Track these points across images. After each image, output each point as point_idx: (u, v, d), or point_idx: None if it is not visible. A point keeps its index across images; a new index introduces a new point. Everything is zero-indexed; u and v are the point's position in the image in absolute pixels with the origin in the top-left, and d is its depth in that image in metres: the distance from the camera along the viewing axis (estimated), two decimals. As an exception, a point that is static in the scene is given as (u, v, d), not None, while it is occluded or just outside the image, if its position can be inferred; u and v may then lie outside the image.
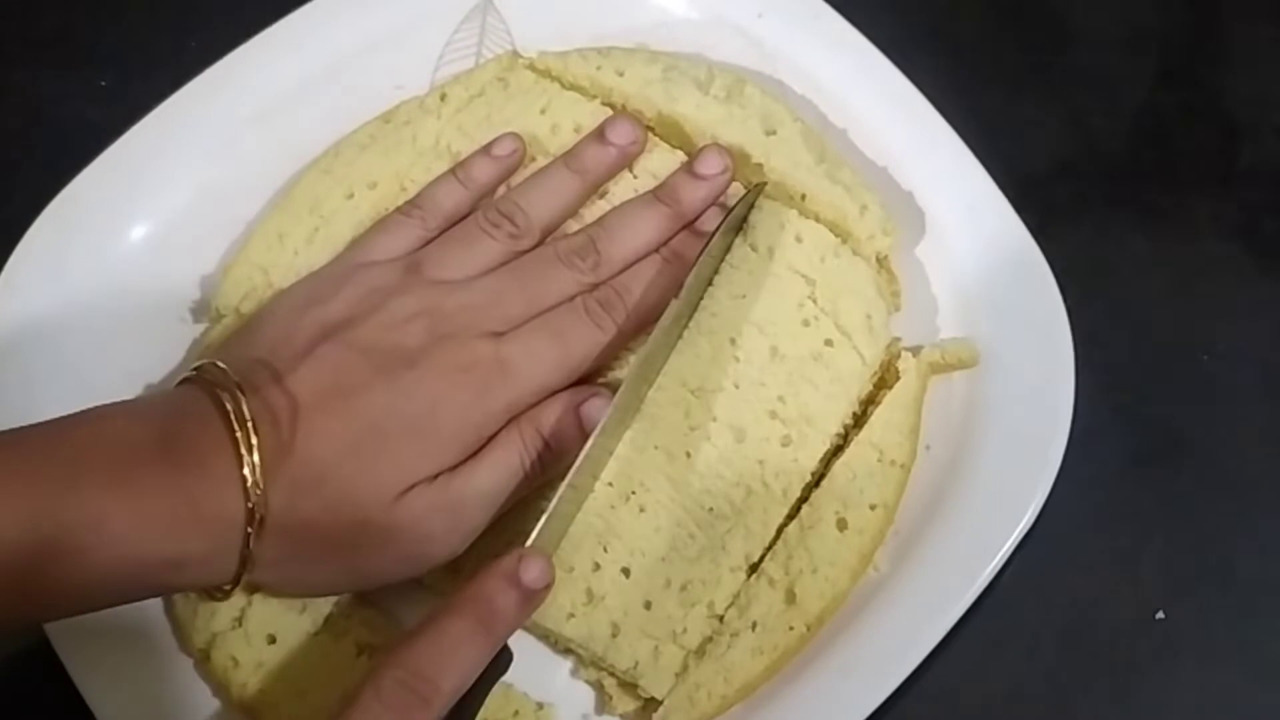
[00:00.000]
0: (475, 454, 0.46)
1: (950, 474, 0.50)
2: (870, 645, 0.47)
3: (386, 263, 0.49)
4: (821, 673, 0.47)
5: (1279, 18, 0.61)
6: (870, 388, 0.51)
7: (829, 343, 0.50)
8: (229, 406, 0.43)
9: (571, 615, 0.47)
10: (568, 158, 0.52)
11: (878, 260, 0.52)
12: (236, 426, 0.42)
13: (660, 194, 0.52)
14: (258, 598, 0.47)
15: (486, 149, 0.53)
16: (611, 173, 0.53)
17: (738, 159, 0.52)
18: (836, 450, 0.50)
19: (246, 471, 0.42)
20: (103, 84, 0.61)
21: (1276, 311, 0.55)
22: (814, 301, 0.50)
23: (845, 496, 0.48)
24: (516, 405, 0.47)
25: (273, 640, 0.47)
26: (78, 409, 0.45)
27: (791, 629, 0.47)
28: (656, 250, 0.51)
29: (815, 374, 0.50)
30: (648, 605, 0.47)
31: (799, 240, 0.51)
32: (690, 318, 0.50)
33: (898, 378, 0.50)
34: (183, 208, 0.55)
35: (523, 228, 0.50)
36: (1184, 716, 0.49)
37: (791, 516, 0.49)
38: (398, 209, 0.52)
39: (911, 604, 0.48)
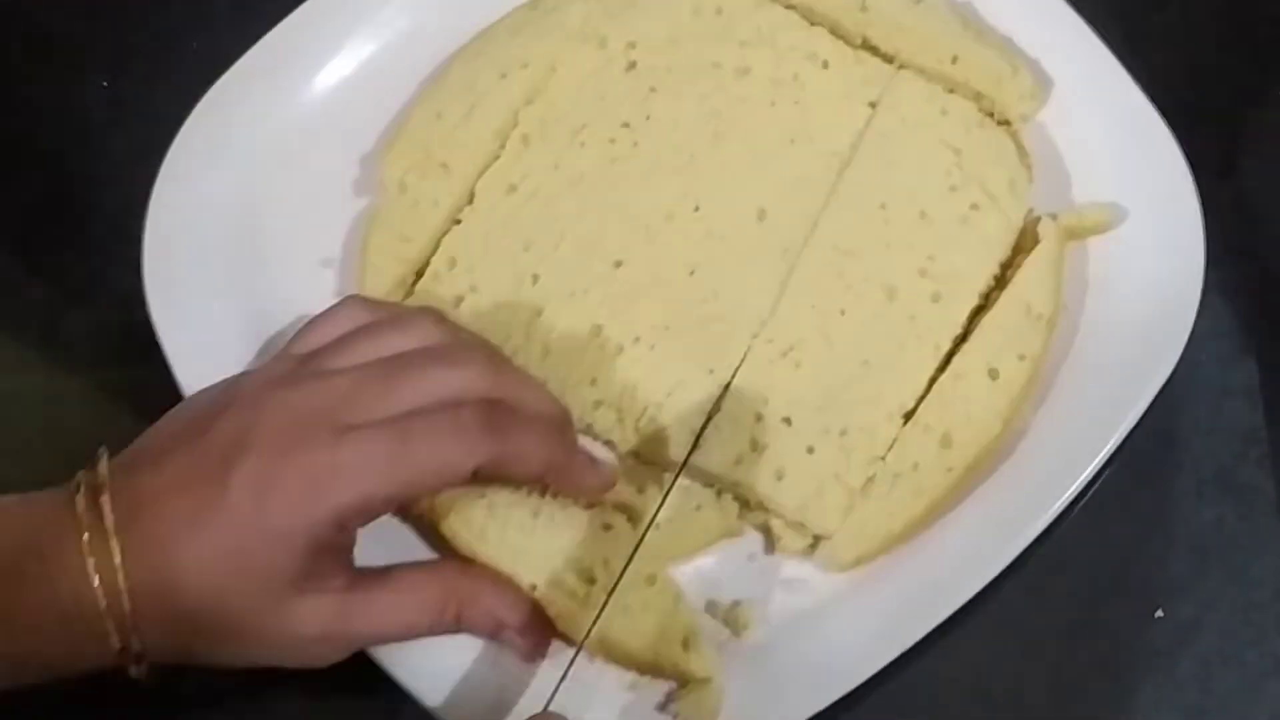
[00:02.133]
0: (386, 588, 0.45)
1: (1088, 332, 0.52)
2: (1020, 489, 0.50)
3: (294, 355, 0.47)
4: (975, 514, 0.49)
5: None
6: (1009, 252, 0.53)
7: (975, 206, 0.53)
8: (84, 504, 0.42)
9: (738, 461, 0.50)
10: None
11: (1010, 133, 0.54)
12: (88, 524, 0.42)
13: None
14: None
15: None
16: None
17: (888, 28, 0.55)
18: (978, 309, 0.52)
19: (98, 568, 0.41)
20: (104, 84, 0.61)
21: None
22: (960, 169, 0.53)
23: (996, 348, 0.51)
24: (350, 514, 0.43)
25: None
26: (248, 287, 0.48)
27: (949, 470, 0.50)
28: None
29: (963, 235, 0.52)
30: (810, 450, 0.50)
31: (944, 113, 0.54)
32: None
33: (1036, 242, 0.52)
34: (336, 95, 0.57)
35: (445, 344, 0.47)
36: (1184, 716, 0.49)
37: (941, 369, 0.51)
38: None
39: (1056, 451, 0.50)
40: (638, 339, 0.52)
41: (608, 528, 0.49)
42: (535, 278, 0.53)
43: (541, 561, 0.48)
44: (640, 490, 0.50)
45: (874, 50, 0.56)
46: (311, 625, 0.44)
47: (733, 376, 0.51)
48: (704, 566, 0.50)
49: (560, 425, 0.48)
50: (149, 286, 0.53)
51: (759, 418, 0.50)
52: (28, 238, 0.59)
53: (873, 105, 0.54)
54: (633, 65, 0.56)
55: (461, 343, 0.48)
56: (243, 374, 0.48)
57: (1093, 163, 0.54)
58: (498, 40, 0.57)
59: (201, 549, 0.42)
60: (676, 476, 0.50)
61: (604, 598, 0.47)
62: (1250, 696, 0.50)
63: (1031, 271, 0.52)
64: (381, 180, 0.55)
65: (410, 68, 0.58)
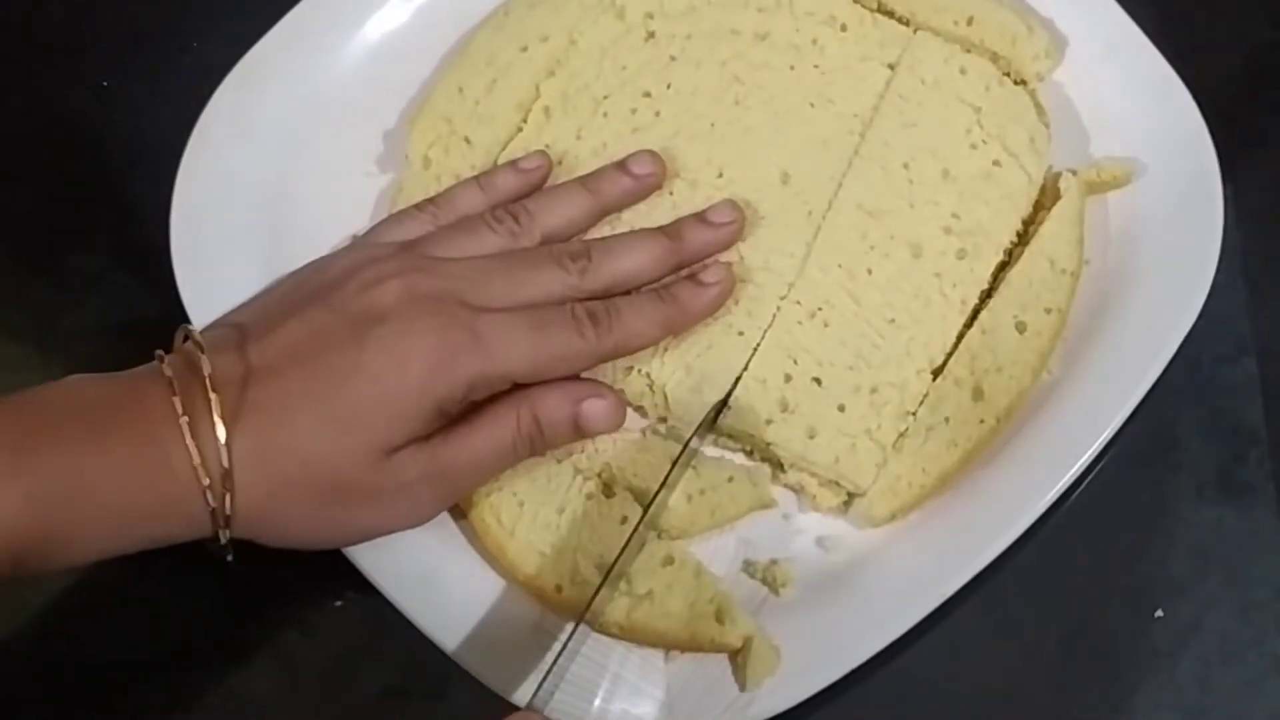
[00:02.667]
0: (468, 424, 0.47)
1: (1112, 285, 0.53)
2: (1051, 438, 0.50)
3: (387, 243, 0.50)
4: (1008, 464, 0.50)
5: None
6: (1031, 208, 0.54)
7: (997, 163, 0.53)
8: (177, 370, 0.44)
9: (769, 421, 0.50)
10: (585, 178, 0.53)
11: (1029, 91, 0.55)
12: (189, 388, 0.43)
13: (668, 229, 0.52)
14: None
15: (513, 163, 0.54)
16: (626, 201, 0.53)
17: None
18: (1002, 265, 0.53)
19: (194, 429, 0.43)
20: (105, 84, 0.61)
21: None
22: (980, 127, 0.54)
23: (1023, 301, 0.51)
24: (480, 383, 0.46)
25: None
26: (274, 262, 0.49)
27: (982, 422, 0.50)
28: (653, 283, 0.51)
29: (986, 192, 0.53)
30: (841, 409, 0.50)
31: (963, 72, 0.54)
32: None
33: (1057, 198, 0.53)
34: (358, 72, 0.58)
35: (525, 227, 0.51)
36: (1184, 716, 0.50)
37: (968, 324, 0.52)
38: (414, 205, 0.53)
39: (1086, 401, 0.51)
40: (667, 304, 0.52)
41: (624, 520, 0.49)
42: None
43: (563, 560, 0.48)
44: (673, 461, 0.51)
45: (890, 13, 0.56)
46: (411, 470, 0.45)
47: (761, 338, 0.51)
48: (740, 527, 0.51)
49: (661, 295, 0.50)
50: (177, 261, 0.53)
51: (789, 378, 0.51)
52: (28, 238, 0.59)
53: (891, 67, 0.55)
54: (652, 35, 0.56)
55: (562, 246, 0.51)
56: (330, 257, 0.50)
57: (1110, 119, 0.55)
58: (517, 13, 0.57)
59: (323, 417, 0.44)
60: (692, 437, 0.50)
61: (619, 583, 0.48)
62: (1250, 696, 0.50)
63: (1054, 226, 0.52)
64: (406, 155, 0.55)
65: (431, 43, 0.58)
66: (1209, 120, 0.54)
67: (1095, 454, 0.50)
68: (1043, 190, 0.54)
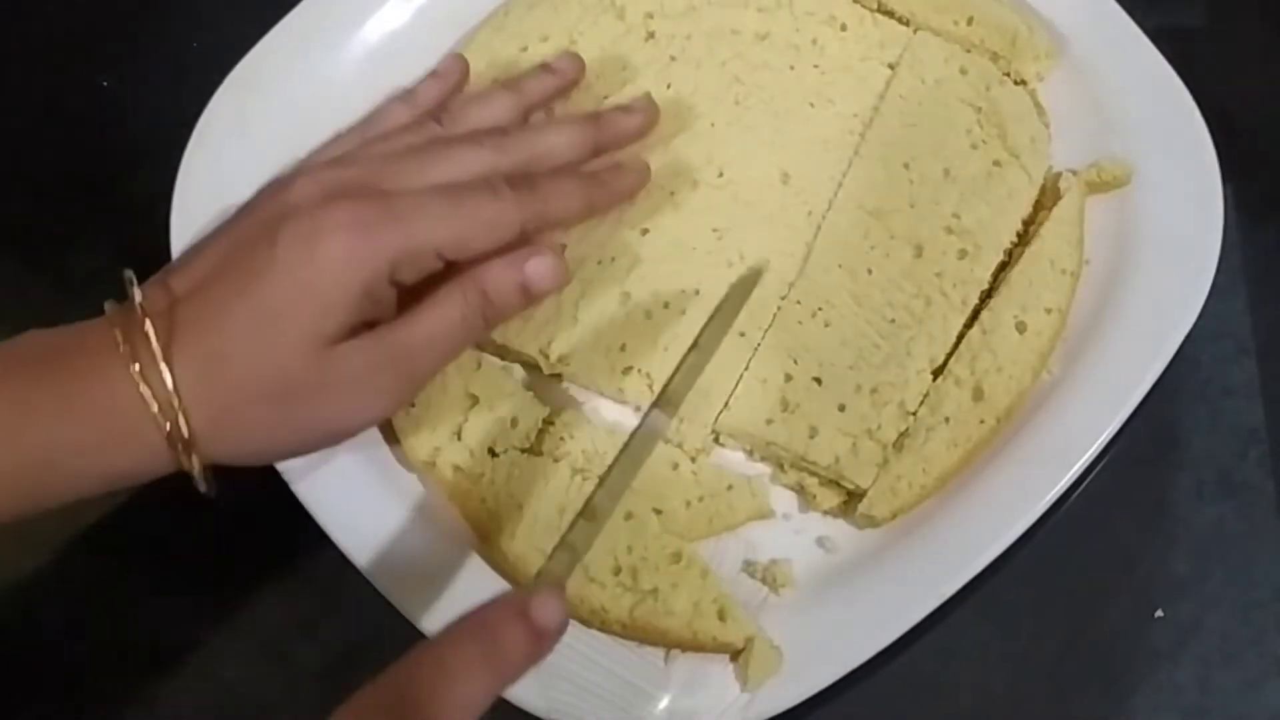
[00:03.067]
0: (415, 306, 0.46)
1: (1112, 285, 0.53)
2: (1051, 438, 0.50)
3: (314, 163, 0.50)
4: (1008, 464, 0.50)
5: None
6: (1031, 208, 0.54)
7: (997, 163, 0.53)
8: (120, 312, 0.44)
9: (770, 421, 0.50)
10: (507, 80, 0.54)
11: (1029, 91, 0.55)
12: (128, 323, 0.43)
13: (585, 115, 0.53)
14: (474, 412, 0.50)
15: (432, 72, 0.54)
16: (547, 97, 0.54)
17: None
18: (1002, 266, 0.53)
19: (137, 357, 0.42)
20: (104, 84, 0.61)
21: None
22: (981, 127, 0.54)
23: (1024, 301, 0.51)
24: (402, 257, 0.45)
25: (494, 453, 0.50)
26: None
27: (982, 422, 0.50)
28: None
29: (987, 192, 0.53)
30: (841, 408, 0.50)
31: (963, 72, 0.54)
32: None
33: (1058, 198, 0.53)
34: (359, 71, 0.57)
35: (446, 126, 0.51)
36: (1184, 716, 0.50)
37: (969, 324, 0.52)
38: (346, 129, 0.53)
39: (1086, 400, 0.51)
40: (667, 304, 0.52)
41: (629, 517, 0.49)
42: (562, 247, 0.53)
43: None
44: (674, 467, 0.51)
45: (890, 13, 0.56)
46: (358, 359, 0.44)
47: (762, 338, 0.51)
48: (740, 528, 0.51)
49: (584, 169, 0.51)
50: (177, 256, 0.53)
51: (789, 378, 0.51)
52: (28, 237, 0.59)
53: (891, 67, 0.55)
54: (652, 35, 0.56)
55: (482, 128, 0.50)
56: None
57: (1110, 119, 0.55)
58: (517, 13, 0.57)
59: (250, 315, 0.43)
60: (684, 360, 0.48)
61: (630, 581, 0.48)
62: (1250, 697, 0.50)
63: (1054, 226, 0.52)
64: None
65: (431, 43, 0.58)
66: (1209, 120, 0.54)
67: (1095, 454, 0.50)
68: (1043, 190, 0.54)
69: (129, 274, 0.45)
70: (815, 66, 0.55)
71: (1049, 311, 0.51)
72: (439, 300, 0.46)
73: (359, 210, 0.45)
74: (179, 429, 0.43)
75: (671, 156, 0.54)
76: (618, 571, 0.48)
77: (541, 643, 0.39)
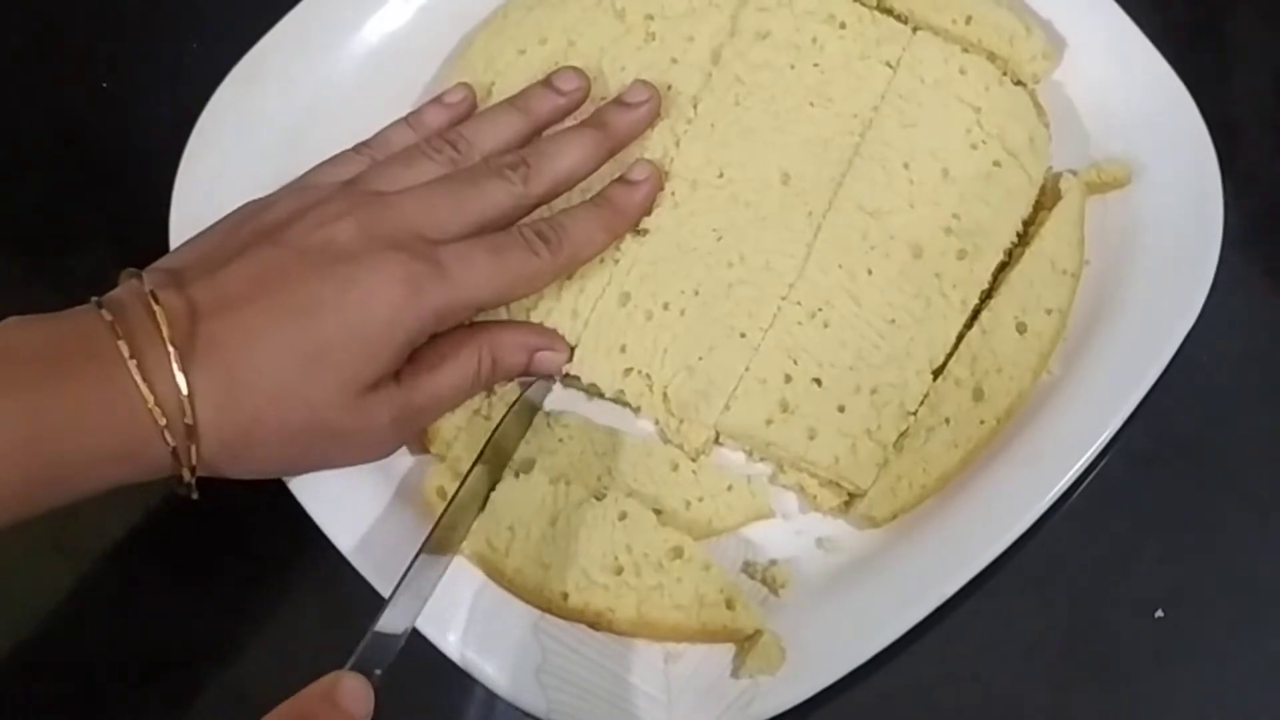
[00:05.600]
0: (433, 366, 0.48)
1: (1112, 285, 0.53)
2: (1051, 438, 0.50)
3: (328, 184, 0.50)
4: (1008, 464, 0.50)
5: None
6: (1031, 208, 0.54)
7: (997, 164, 0.53)
8: (117, 313, 0.43)
9: (770, 422, 0.50)
10: (514, 98, 0.54)
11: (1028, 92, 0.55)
12: (132, 329, 0.42)
13: (590, 120, 0.53)
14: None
15: (438, 98, 0.54)
16: (556, 116, 0.54)
17: None
18: (1002, 266, 0.53)
19: (146, 370, 0.42)
20: (104, 85, 0.61)
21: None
22: (980, 127, 0.54)
23: (1024, 302, 0.51)
24: (447, 313, 0.47)
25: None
26: None
27: (982, 423, 0.50)
28: (587, 180, 0.53)
29: (986, 192, 0.53)
30: (841, 409, 0.50)
31: (963, 72, 0.54)
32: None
33: (1058, 198, 0.53)
34: (358, 74, 0.58)
35: (464, 152, 0.51)
36: (1184, 716, 0.50)
37: (969, 325, 0.52)
38: (350, 148, 0.53)
39: (1086, 400, 0.51)
40: (666, 305, 0.52)
41: (623, 516, 0.49)
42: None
43: (566, 566, 0.48)
44: (674, 467, 0.51)
45: (889, 11, 0.56)
46: (385, 412, 0.46)
47: (762, 339, 0.51)
48: (740, 528, 0.51)
49: (601, 201, 0.52)
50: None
51: (789, 379, 0.51)
52: (28, 237, 0.60)
53: (891, 66, 0.55)
54: (652, 36, 0.56)
55: (499, 159, 0.51)
56: (267, 199, 0.49)
57: (1110, 119, 0.55)
58: (515, 16, 0.57)
59: (291, 351, 0.44)
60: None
61: (634, 580, 0.48)
62: (1250, 697, 0.50)
63: (1054, 226, 0.52)
64: (407, 156, 0.55)
65: (431, 44, 0.58)
66: (1209, 120, 0.54)
67: (1095, 454, 0.50)
68: (1043, 190, 0.54)
69: (133, 271, 0.45)
70: (815, 65, 0.55)
71: (1049, 312, 0.51)
72: (456, 363, 0.48)
73: (412, 267, 0.46)
74: (188, 453, 0.43)
75: (672, 157, 0.54)
76: (620, 571, 0.48)
77: None
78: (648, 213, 0.53)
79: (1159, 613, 0.51)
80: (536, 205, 0.51)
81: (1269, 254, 0.56)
